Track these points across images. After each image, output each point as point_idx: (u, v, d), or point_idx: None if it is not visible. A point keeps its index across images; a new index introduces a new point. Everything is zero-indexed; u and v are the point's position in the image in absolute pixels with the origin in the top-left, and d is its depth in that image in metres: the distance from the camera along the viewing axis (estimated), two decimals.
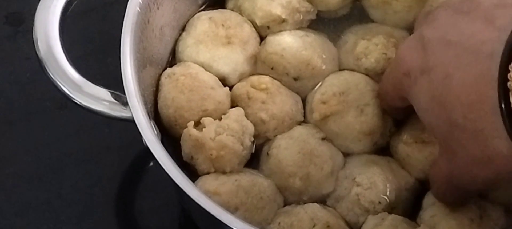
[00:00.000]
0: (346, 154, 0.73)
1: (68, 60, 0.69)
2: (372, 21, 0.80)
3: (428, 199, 0.69)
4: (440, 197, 0.68)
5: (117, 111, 0.68)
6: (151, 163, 0.85)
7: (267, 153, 0.73)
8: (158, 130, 0.70)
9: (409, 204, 0.71)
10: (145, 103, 0.68)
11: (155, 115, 0.73)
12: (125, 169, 0.85)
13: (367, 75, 0.75)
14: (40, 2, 0.70)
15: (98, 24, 0.91)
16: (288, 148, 0.72)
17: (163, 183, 0.80)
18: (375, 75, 0.75)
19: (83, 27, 0.89)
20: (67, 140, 0.86)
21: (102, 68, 0.83)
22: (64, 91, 0.68)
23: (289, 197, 0.71)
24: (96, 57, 0.87)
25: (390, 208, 0.69)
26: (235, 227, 0.62)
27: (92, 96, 0.68)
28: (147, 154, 0.81)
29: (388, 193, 0.69)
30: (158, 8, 0.73)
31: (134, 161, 0.85)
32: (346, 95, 0.73)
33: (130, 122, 0.67)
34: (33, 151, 0.85)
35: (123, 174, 0.85)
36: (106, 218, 0.82)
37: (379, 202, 0.69)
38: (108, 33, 0.86)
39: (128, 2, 0.70)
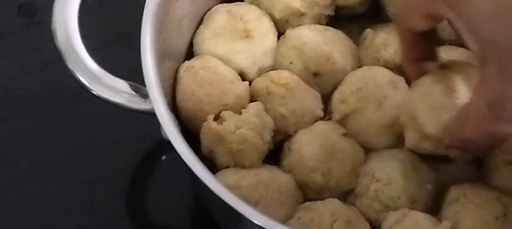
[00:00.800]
0: (368, 150, 0.72)
1: (87, 51, 0.68)
2: (391, 21, 0.79)
3: (451, 195, 0.69)
4: (469, 138, 0.62)
5: (136, 103, 0.68)
6: (164, 157, 0.84)
7: (289, 148, 0.72)
8: (177, 122, 0.69)
9: (431, 199, 0.70)
10: (164, 96, 0.67)
11: (173, 109, 0.73)
12: (137, 162, 0.85)
13: (386, 67, 0.74)
14: None
15: (115, 17, 0.91)
16: (309, 143, 0.71)
17: (176, 176, 0.80)
18: (395, 67, 0.74)
19: (100, 20, 0.89)
20: (80, 133, 0.85)
21: (119, 61, 0.82)
22: (83, 83, 0.68)
23: (310, 194, 0.71)
24: (112, 49, 0.87)
25: (411, 203, 0.68)
26: (258, 222, 0.61)
27: (111, 88, 0.68)
28: (160, 147, 0.81)
29: (407, 187, 0.68)
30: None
31: (147, 154, 0.85)
32: (364, 91, 0.72)
33: (146, 114, 0.67)
34: (46, 143, 0.85)
35: (136, 167, 0.84)
36: (118, 211, 0.82)
37: (399, 198, 0.68)
38: (124, 26, 0.86)
39: None
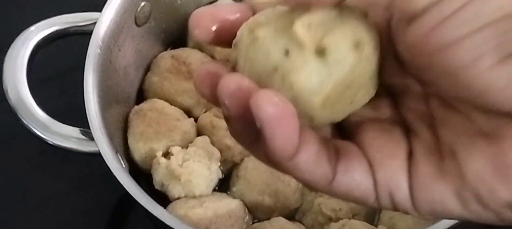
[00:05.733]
0: None
1: (36, 104, 0.72)
2: None
3: None
4: None
5: (85, 146, 0.71)
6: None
7: (237, 175, 0.77)
8: (126, 162, 0.73)
9: (372, 211, 0.74)
10: (112, 137, 0.71)
11: (126, 151, 0.77)
12: (110, 211, 0.87)
13: None
14: (7, 53, 0.74)
15: (65, 73, 0.92)
16: (256, 168, 0.76)
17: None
18: None
19: (51, 77, 0.91)
20: (48, 184, 0.87)
21: (73, 112, 0.85)
22: (35, 132, 0.71)
23: (260, 215, 0.75)
24: (66, 102, 0.88)
25: (352, 214, 0.73)
26: None
27: (61, 134, 0.71)
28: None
29: None
30: (119, 50, 0.77)
31: (118, 203, 0.88)
32: None
33: (95, 156, 0.69)
34: (15, 194, 0.87)
35: (109, 215, 0.87)
36: None
37: (340, 209, 0.72)
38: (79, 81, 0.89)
39: (89, 45, 0.73)
